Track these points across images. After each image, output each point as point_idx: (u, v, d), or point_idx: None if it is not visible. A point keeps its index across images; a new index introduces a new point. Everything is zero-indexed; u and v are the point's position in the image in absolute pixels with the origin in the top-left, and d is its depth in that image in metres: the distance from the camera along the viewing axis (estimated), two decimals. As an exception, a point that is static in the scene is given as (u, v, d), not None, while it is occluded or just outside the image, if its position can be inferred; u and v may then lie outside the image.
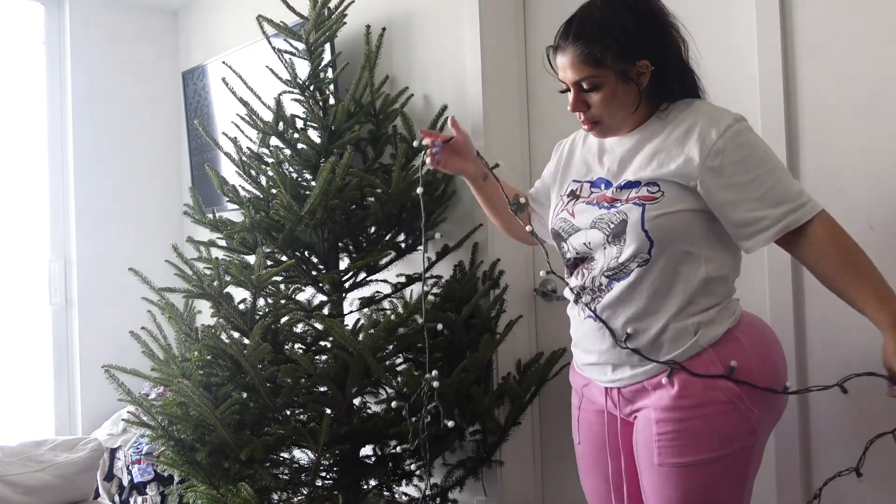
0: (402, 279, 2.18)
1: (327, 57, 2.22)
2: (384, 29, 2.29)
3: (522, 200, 1.55)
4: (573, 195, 1.40)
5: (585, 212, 1.35)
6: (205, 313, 1.93)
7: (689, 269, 1.28)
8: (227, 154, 2.16)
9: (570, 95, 1.33)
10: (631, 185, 1.30)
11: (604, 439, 1.41)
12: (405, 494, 2.06)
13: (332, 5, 2.19)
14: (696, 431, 1.25)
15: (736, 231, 1.26)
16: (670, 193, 1.26)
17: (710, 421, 1.25)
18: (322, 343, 2.00)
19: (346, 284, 2.12)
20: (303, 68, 2.17)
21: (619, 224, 1.29)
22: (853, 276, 1.24)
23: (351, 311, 2.17)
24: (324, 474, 1.94)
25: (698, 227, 1.28)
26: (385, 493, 2.02)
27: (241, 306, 1.83)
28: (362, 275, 2.14)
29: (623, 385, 1.34)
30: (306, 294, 2.22)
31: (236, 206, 2.12)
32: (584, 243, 1.34)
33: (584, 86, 1.29)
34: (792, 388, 1.34)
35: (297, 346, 2.00)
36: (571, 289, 1.40)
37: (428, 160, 1.53)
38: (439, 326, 1.83)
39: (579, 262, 1.38)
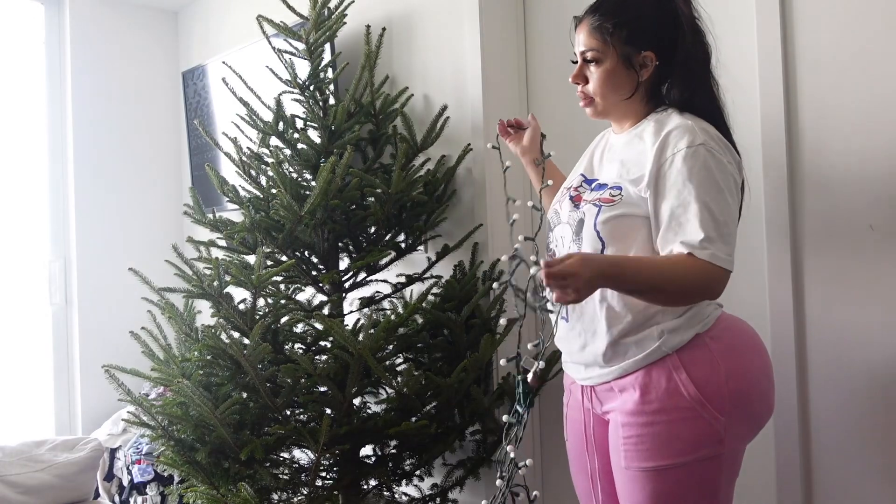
0: (402, 279, 2.18)
1: (327, 57, 2.22)
2: (384, 29, 2.29)
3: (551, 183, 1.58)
4: (569, 188, 1.43)
5: (567, 207, 1.38)
6: (205, 313, 1.93)
7: None
8: (227, 154, 2.16)
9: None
10: (601, 186, 1.33)
11: (584, 437, 1.42)
12: (405, 494, 2.06)
13: (332, 5, 2.19)
14: (660, 437, 1.24)
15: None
16: (628, 198, 1.27)
17: (673, 427, 1.24)
18: (322, 343, 2.00)
19: (346, 284, 2.12)
20: (303, 68, 2.17)
21: (577, 224, 1.32)
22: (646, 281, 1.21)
23: (351, 311, 2.17)
24: (324, 474, 1.94)
25: (649, 234, 1.28)
26: (385, 493, 2.02)
27: (241, 306, 1.83)
28: (362, 275, 2.14)
29: (595, 384, 1.35)
30: (306, 294, 2.21)
31: (236, 206, 2.12)
32: (562, 236, 1.38)
33: (588, 57, 1.32)
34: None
35: (297, 346, 2.00)
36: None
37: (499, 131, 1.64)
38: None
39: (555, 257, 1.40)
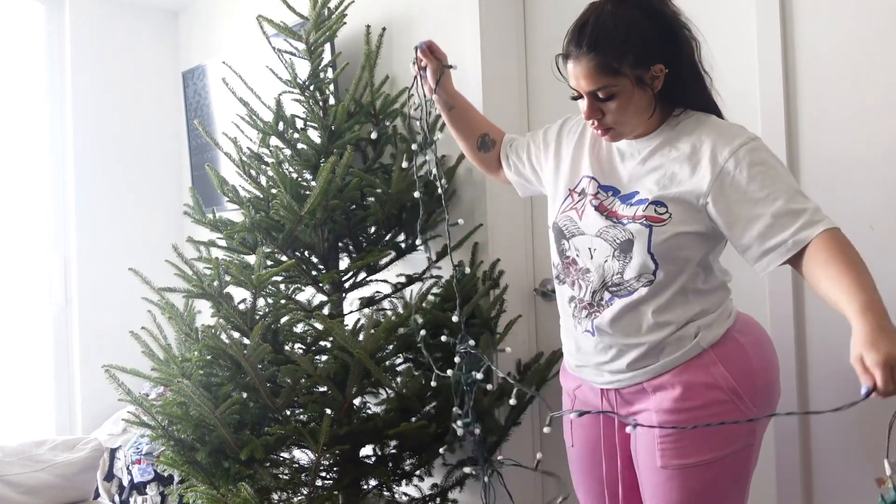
0: (402, 279, 2.18)
1: (327, 57, 2.22)
2: (384, 29, 2.29)
3: (488, 140, 1.63)
4: (583, 194, 1.37)
5: (592, 217, 1.33)
6: (205, 313, 1.93)
7: (692, 285, 1.28)
8: (227, 154, 2.16)
9: (584, 103, 1.29)
10: (640, 201, 1.28)
11: (597, 442, 1.41)
12: (405, 494, 2.06)
13: (332, 5, 2.19)
14: (700, 432, 1.25)
15: (746, 253, 1.23)
16: (678, 215, 1.24)
17: (712, 421, 1.25)
18: (322, 343, 2.00)
19: (346, 284, 2.12)
20: (303, 68, 2.17)
21: (624, 242, 1.28)
22: (839, 266, 1.11)
23: (351, 312, 2.17)
24: (324, 474, 1.94)
25: (702, 248, 1.28)
26: (385, 493, 2.02)
27: (241, 306, 1.83)
28: (362, 275, 2.13)
29: (622, 386, 1.34)
30: (306, 294, 2.21)
31: (236, 206, 2.12)
32: (589, 248, 1.33)
33: (600, 95, 1.26)
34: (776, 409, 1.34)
35: (297, 346, 2.00)
36: (567, 299, 1.40)
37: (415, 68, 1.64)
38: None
39: (572, 265, 1.38)
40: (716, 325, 1.28)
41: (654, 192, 1.27)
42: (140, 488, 2.72)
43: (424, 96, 1.63)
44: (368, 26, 2.29)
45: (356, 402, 2.00)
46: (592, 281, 1.33)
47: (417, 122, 1.65)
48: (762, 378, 1.29)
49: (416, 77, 1.64)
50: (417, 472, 2.01)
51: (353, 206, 2.08)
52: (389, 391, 1.89)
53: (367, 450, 1.98)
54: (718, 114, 1.33)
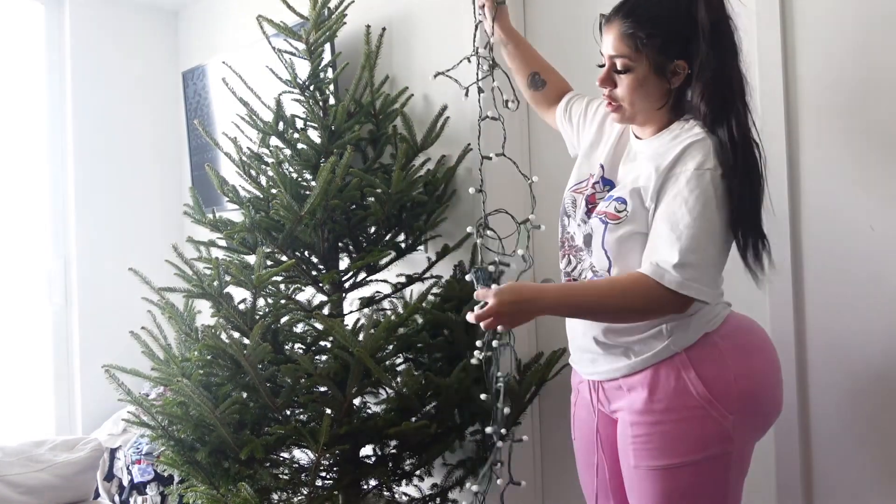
0: (402, 279, 2.18)
1: (327, 57, 2.22)
2: (384, 29, 2.29)
3: (538, 79, 1.62)
4: (594, 180, 1.39)
5: (582, 209, 1.37)
6: (205, 313, 1.93)
7: None
8: (227, 154, 2.16)
9: (603, 70, 1.30)
10: (608, 197, 1.31)
11: (591, 436, 1.42)
12: (405, 494, 2.06)
13: (332, 5, 2.19)
14: (669, 435, 1.25)
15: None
16: (633, 214, 1.25)
17: (682, 425, 1.24)
18: (322, 343, 2.00)
19: (346, 284, 2.12)
20: (303, 68, 2.17)
21: (587, 236, 1.33)
22: (588, 283, 1.33)
23: (351, 311, 2.17)
24: (324, 474, 1.94)
25: None
26: (385, 493, 2.02)
27: (241, 306, 1.83)
28: (362, 275, 2.14)
29: (602, 379, 1.35)
30: (306, 294, 2.22)
31: (236, 206, 2.12)
32: (573, 235, 1.39)
33: (618, 65, 1.26)
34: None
35: (297, 346, 2.00)
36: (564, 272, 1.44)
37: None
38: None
39: (569, 240, 1.42)
40: (692, 327, 1.26)
41: (627, 186, 1.28)
42: (140, 488, 2.72)
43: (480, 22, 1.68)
44: (368, 26, 2.29)
45: (356, 401, 2.01)
46: (583, 260, 1.37)
47: (481, 49, 1.71)
48: (740, 386, 1.24)
49: (477, 7, 1.69)
50: (417, 472, 2.01)
51: (353, 206, 2.08)
52: (389, 391, 1.90)
53: (367, 450, 1.99)
54: (744, 140, 1.23)
